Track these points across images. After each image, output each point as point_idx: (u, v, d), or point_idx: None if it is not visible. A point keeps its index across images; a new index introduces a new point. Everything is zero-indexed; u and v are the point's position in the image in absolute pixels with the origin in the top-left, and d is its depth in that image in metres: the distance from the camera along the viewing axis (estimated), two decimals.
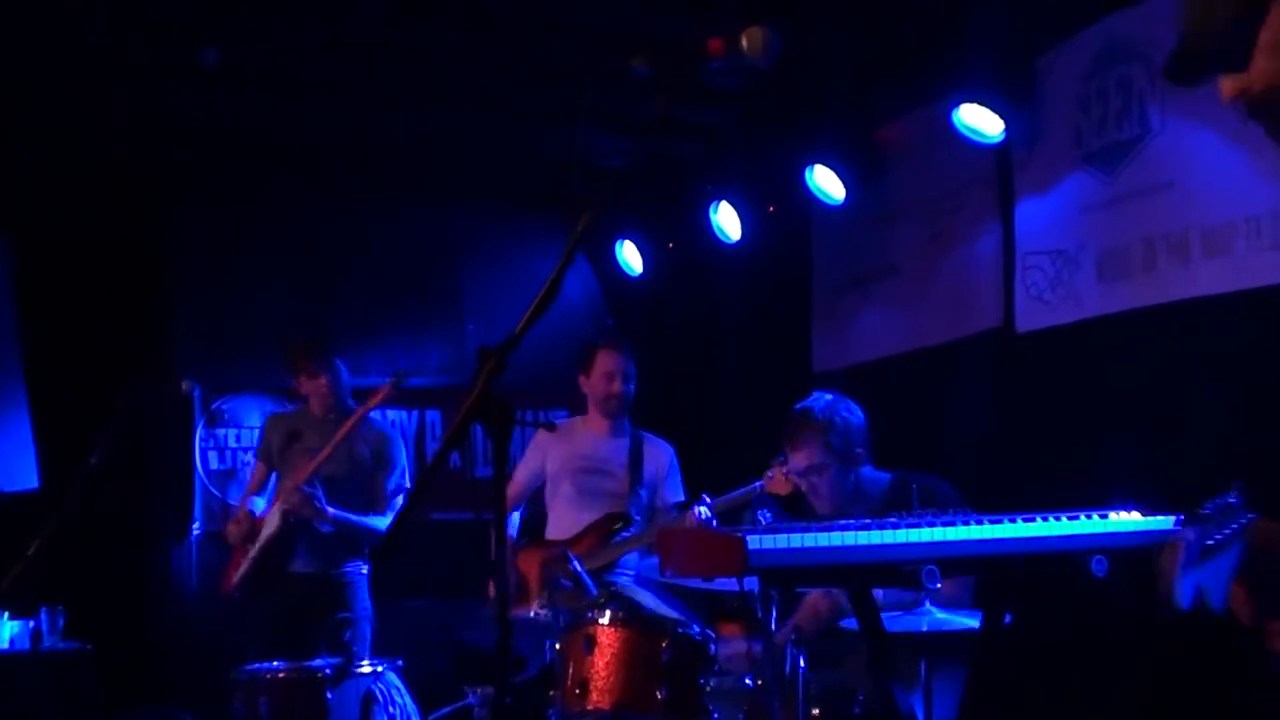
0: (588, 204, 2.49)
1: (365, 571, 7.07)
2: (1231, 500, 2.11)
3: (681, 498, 6.89)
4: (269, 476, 7.22)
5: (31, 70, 7.07)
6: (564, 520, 6.72)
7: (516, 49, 7.06)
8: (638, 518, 6.63)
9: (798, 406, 5.31)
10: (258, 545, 6.83)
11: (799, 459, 5.25)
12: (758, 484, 5.76)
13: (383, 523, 6.91)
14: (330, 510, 6.72)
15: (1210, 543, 2.08)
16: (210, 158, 8.41)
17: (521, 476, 6.93)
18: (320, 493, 6.72)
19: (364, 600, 7.04)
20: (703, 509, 5.95)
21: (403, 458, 7.19)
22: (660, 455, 6.96)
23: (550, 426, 6.62)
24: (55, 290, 8.32)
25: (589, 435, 6.91)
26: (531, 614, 5.71)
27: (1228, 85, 2.36)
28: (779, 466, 5.59)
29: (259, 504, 7.12)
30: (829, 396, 5.32)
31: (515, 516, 7.11)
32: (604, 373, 6.83)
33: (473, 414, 2.36)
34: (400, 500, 7.01)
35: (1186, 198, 5.52)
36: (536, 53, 7.08)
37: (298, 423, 7.15)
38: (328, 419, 7.01)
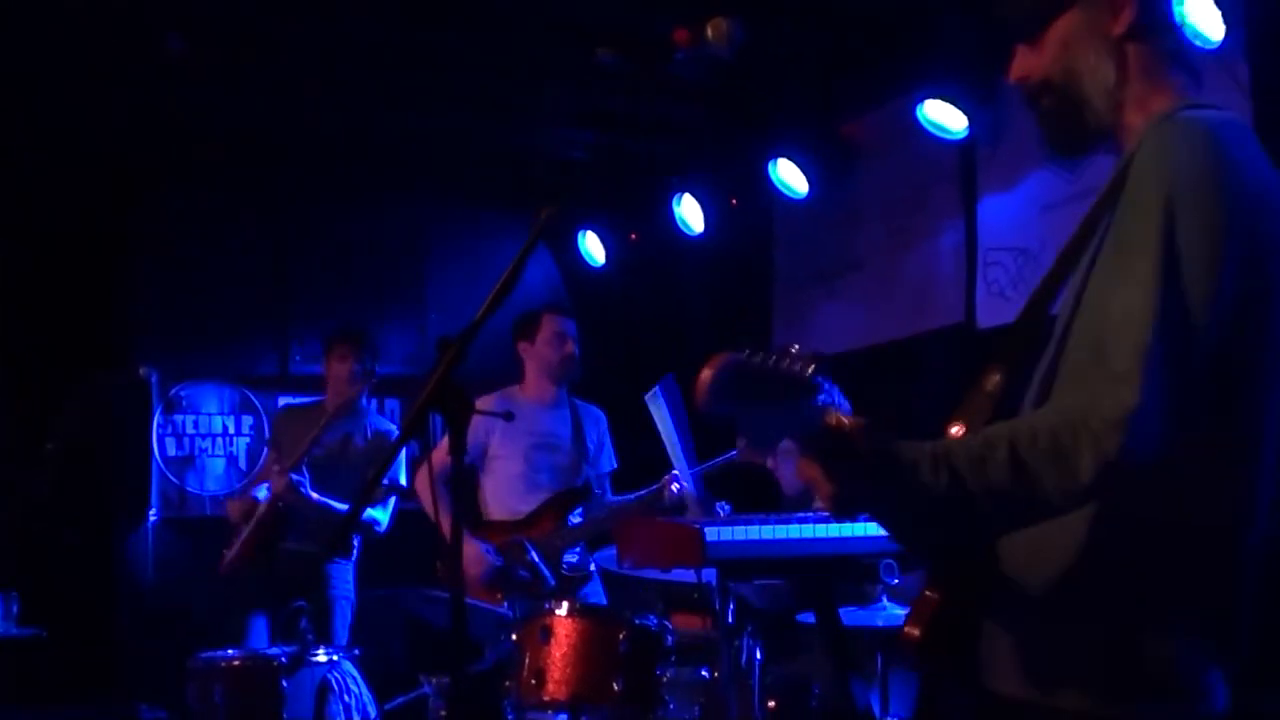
0: (549, 197, 2.49)
1: (353, 558, 7.07)
2: (797, 350, 2.12)
3: (614, 466, 6.87)
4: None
5: None
6: (511, 500, 6.61)
7: (480, 43, 7.03)
8: (596, 491, 6.61)
9: None
10: (249, 526, 6.80)
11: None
12: (733, 453, 5.74)
13: (373, 514, 6.93)
14: (315, 497, 6.72)
15: (755, 362, 2.09)
16: (172, 147, 8.35)
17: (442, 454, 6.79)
18: (306, 479, 6.71)
19: (345, 582, 7.03)
20: (675, 485, 5.94)
21: (403, 462, 7.17)
22: (598, 423, 6.93)
23: (509, 416, 6.54)
24: (13, 276, 8.25)
25: (533, 409, 6.74)
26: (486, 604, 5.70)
27: (1015, 68, 2.50)
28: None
29: (264, 491, 7.09)
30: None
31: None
32: (554, 333, 6.71)
33: (430, 402, 2.35)
34: (394, 501, 7.01)
35: None
36: (501, 46, 7.06)
37: (308, 415, 7.13)
38: (339, 411, 6.96)
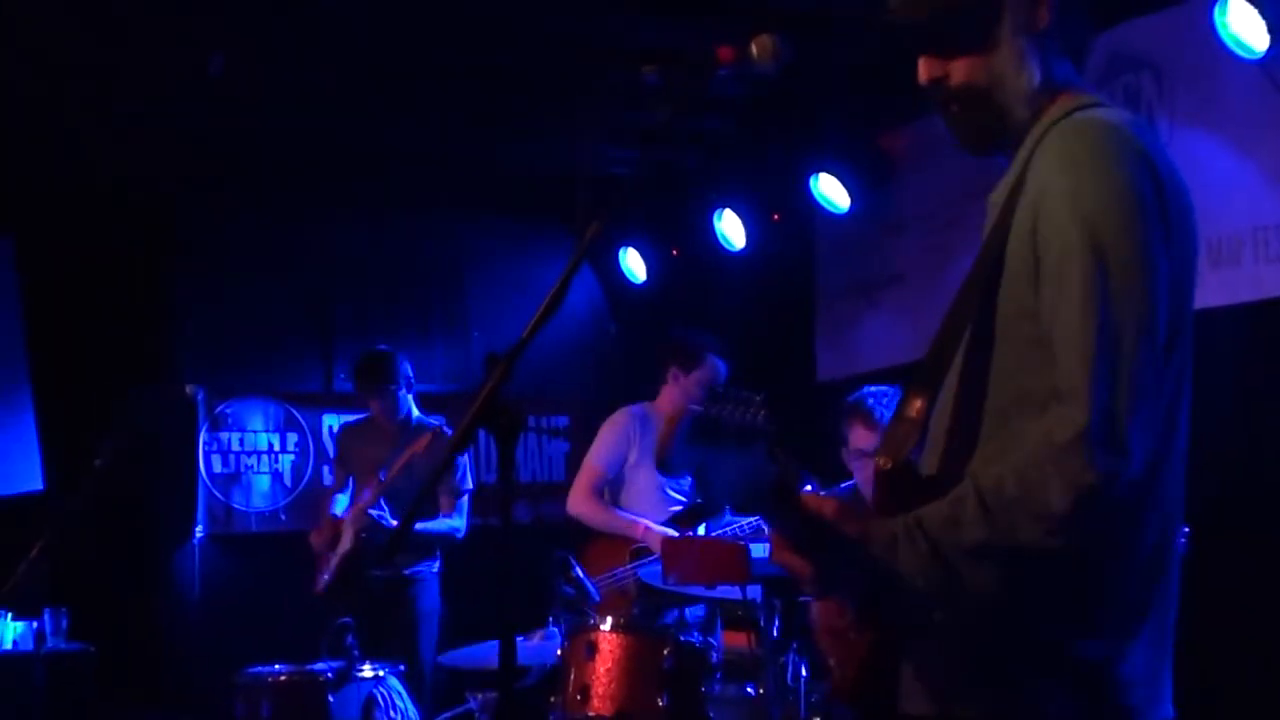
0: (594, 213, 2.49)
1: (436, 570, 7.20)
2: (754, 395, 2.09)
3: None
4: (347, 480, 7.38)
5: (38, 75, 7.08)
6: (646, 510, 6.65)
7: (522, 59, 7.05)
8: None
9: (855, 393, 5.47)
10: (336, 558, 6.94)
11: (859, 438, 5.38)
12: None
13: (451, 524, 7.11)
14: (391, 524, 6.86)
15: (712, 413, 2.06)
16: (217, 164, 8.40)
17: (603, 464, 6.86)
18: (385, 514, 6.86)
19: (432, 597, 7.17)
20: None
21: (468, 462, 7.38)
22: None
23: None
24: (61, 293, 8.31)
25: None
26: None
27: (927, 70, 2.40)
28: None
29: (341, 502, 7.26)
30: (888, 387, 5.44)
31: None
32: (708, 378, 6.70)
33: (479, 418, 2.36)
34: (467, 500, 7.19)
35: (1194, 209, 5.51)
36: (541, 63, 7.08)
37: (366, 432, 7.37)
38: (392, 428, 7.21)
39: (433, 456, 6.94)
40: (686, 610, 6.08)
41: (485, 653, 5.73)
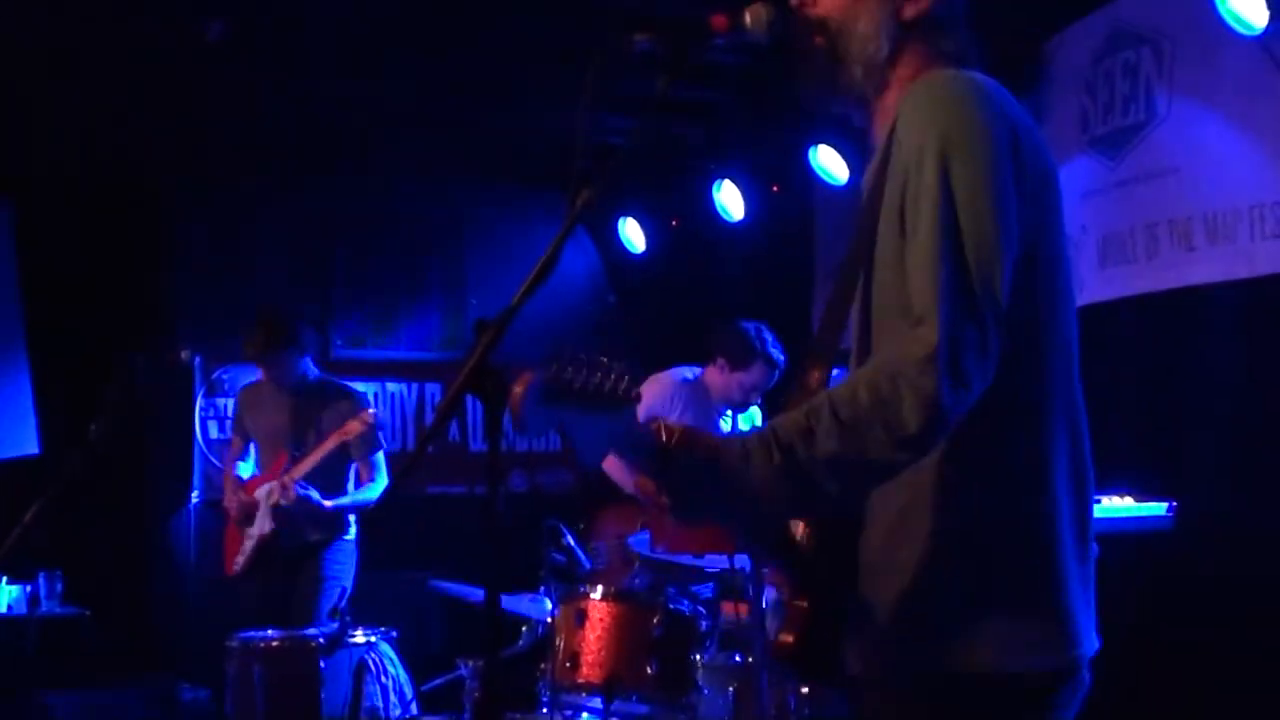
0: (586, 181, 2.49)
1: (351, 537, 6.99)
2: (614, 363, 2.11)
3: None
4: (245, 446, 7.22)
5: (34, 39, 7.06)
6: None
7: (520, 26, 7.03)
8: None
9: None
10: (254, 538, 6.83)
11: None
12: None
13: (372, 491, 6.89)
14: (329, 506, 6.75)
15: (565, 378, 2.08)
16: (214, 133, 8.39)
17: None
18: (314, 493, 6.71)
19: (336, 564, 6.93)
20: None
21: (378, 418, 7.08)
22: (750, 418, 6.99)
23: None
24: (57, 258, 8.31)
25: (709, 405, 6.79)
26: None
27: None
28: None
29: (243, 469, 7.15)
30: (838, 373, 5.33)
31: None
32: (754, 382, 6.69)
33: (466, 385, 2.35)
34: (382, 459, 6.96)
35: (1191, 184, 5.51)
36: (540, 29, 7.06)
37: (264, 396, 7.10)
38: (288, 392, 6.97)
39: (341, 421, 6.82)
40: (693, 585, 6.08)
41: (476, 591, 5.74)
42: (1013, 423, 2.21)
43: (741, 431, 2.18)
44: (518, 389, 2.10)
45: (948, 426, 2.08)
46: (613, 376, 2.08)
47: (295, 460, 6.76)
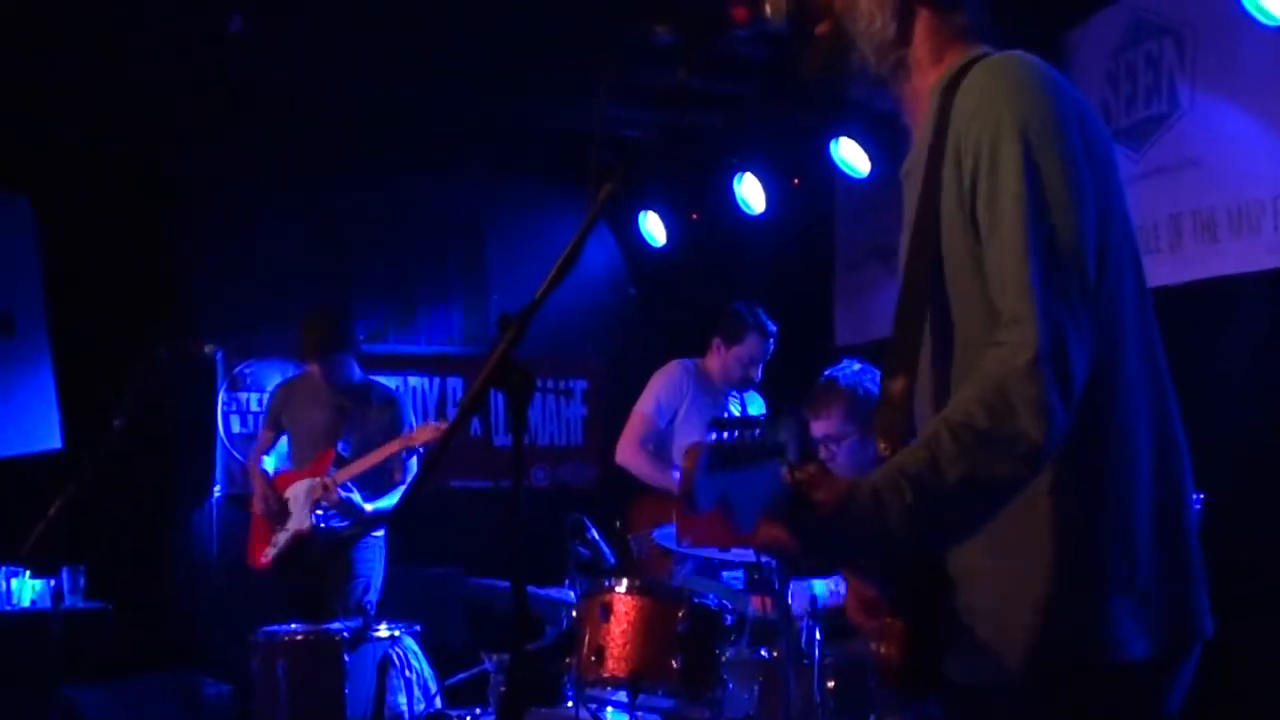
0: (609, 174, 2.48)
1: (379, 534, 7.09)
2: (759, 416, 2.09)
3: None
4: (275, 440, 7.32)
5: (52, 35, 7.07)
6: None
7: (539, 18, 7.03)
8: None
9: (825, 374, 5.28)
10: (290, 533, 6.89)
11: (819, 426, 5.21)
12: None
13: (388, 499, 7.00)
14: (370, 510, 6.85)
15: (725, 438, 2.06)
16: (234, 123, 8.40)
17: (654, 413, 6.88)
18: (356, 496, 6.82)
19: (365, 561, 7.02)
20: None
21: (413, 421, 7.18)
22: (759, 405, 7.07)
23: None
24: (80, 252, 8.33)
25: (715, 389, 6.92)
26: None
27: None
28: None
29: (269, 463, 7.24)
30: (856, 365, 5.27)
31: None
32: (749, 355, 6.85)
33: (491, 380, 2.35)
34: (415, 463, 7.02)
35: (1214, 176, 5.49)
36: (559, 22, 7.05)
37: (306, 392, 7.21)
38: (335, 391, 7.07)
39: (384, 424, 6.93)
40: (724, 575, 6.09)
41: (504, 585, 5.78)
42: (1095, 410, 2.15)
43: (867, 476, 2.12)
44: (688, 463, 2.07)
45: (1066, 427, 2.05)
46: (758, 431, 2.06)
47: (343, 461, 6.82)
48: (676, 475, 6.65)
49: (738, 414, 6.80)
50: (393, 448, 6.76)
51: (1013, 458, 2.03)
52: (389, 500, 6.95)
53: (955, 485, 2.03)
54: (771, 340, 6.87)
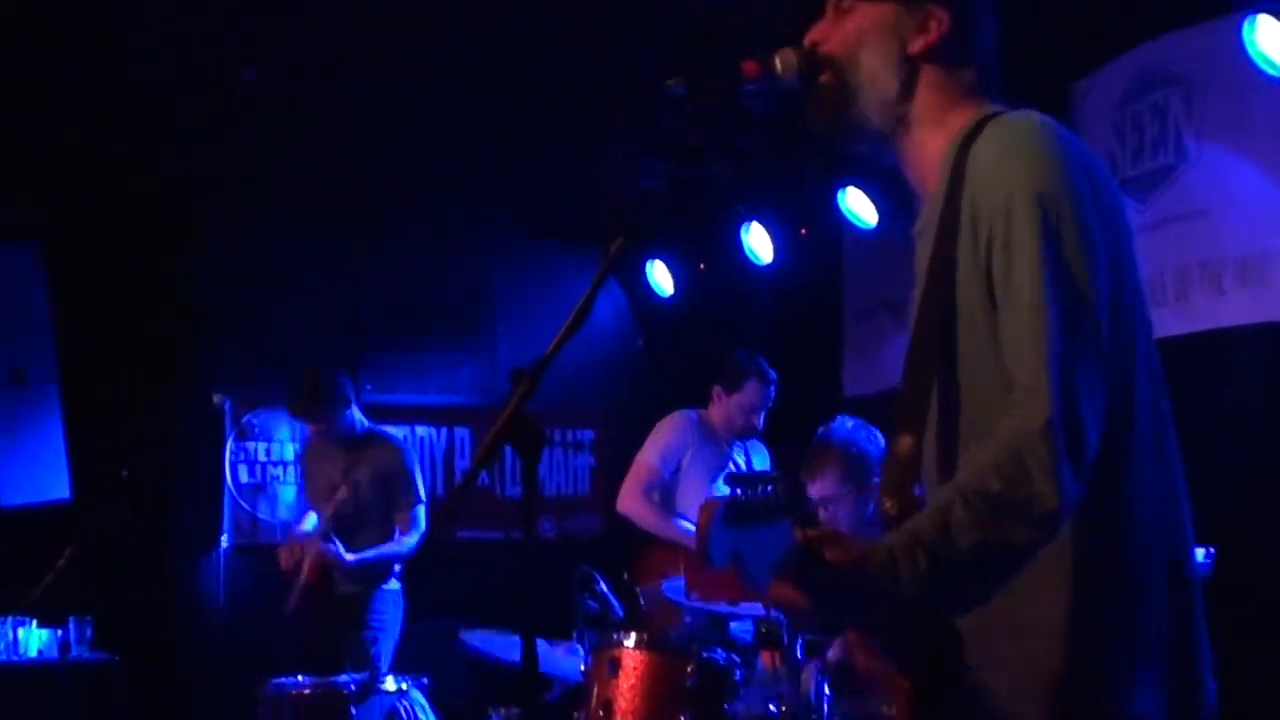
0: (621, 229, 2.49)
1: (395, 588, 7.05)
2: (772, 473, 2.10)
3: None
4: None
5: (64, 83, 7.12)
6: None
7: (551, 74, 7.07)
8: None
9: (818, 434, 5.27)
10: (298, 589, 6.87)
11: (816, 488, 5.20)
12: None
13: (408, 542, 6.94)
14: (351, 560, 6.79)
15: (742, 495, 2.05)
16: (244, 175, 8.45)
17: (659, 462, 6.87)
18: (337, 547, 6.77)
19: (379, 614, 7.02)
20: None
21: (417, 470, 7.16)
22: (762, 455, 7.08)
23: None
24: (90, 302, 8.36)
25: (720, 435, 6.93)
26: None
27: (815, 31, 2.47)
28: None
29: (310, 521, 7.23)
30: (850, 423, 5.27)
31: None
32: (750, 402, 6.85)
33: (504, 434, 2.35)
34: (422, 512, 7.00)
35: (1221, 227, 5.49)
36: (569, 76, 7.10)
37: (318, 450, 7.23)
38: (337, 445, 7.06)
39: (383, 472, 6.91)
40: (733, 627, 6.07)
41: (506, 647, 5.75)
42: (1106, 473, 2.14)
43: (881, 540, 2.11)
44: (704, 518, 2.08)
45: (1080, 491, 2.04)
46: (772, 489, 2.06)
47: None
48: (679, 524, 6.64)
49: (743, 464, 6.85)
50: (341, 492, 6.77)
51: (1027, 523, 2.02)
52: (377, 553, 6.90)
53: (969, 551, 2.02)
54: (772, 387, 6.87)
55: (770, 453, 7.10)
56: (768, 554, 2.09)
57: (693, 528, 6.39)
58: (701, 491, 6.66)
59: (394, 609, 7.01)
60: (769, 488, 2.05)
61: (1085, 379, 2.05)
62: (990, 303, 2.17)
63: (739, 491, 2.06)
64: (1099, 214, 2.16)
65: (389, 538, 6.97)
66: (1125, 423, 2.18)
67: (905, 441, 2.26)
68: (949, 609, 2.17)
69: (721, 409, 6.89)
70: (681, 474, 6.83)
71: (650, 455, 6.86)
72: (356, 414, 7.13)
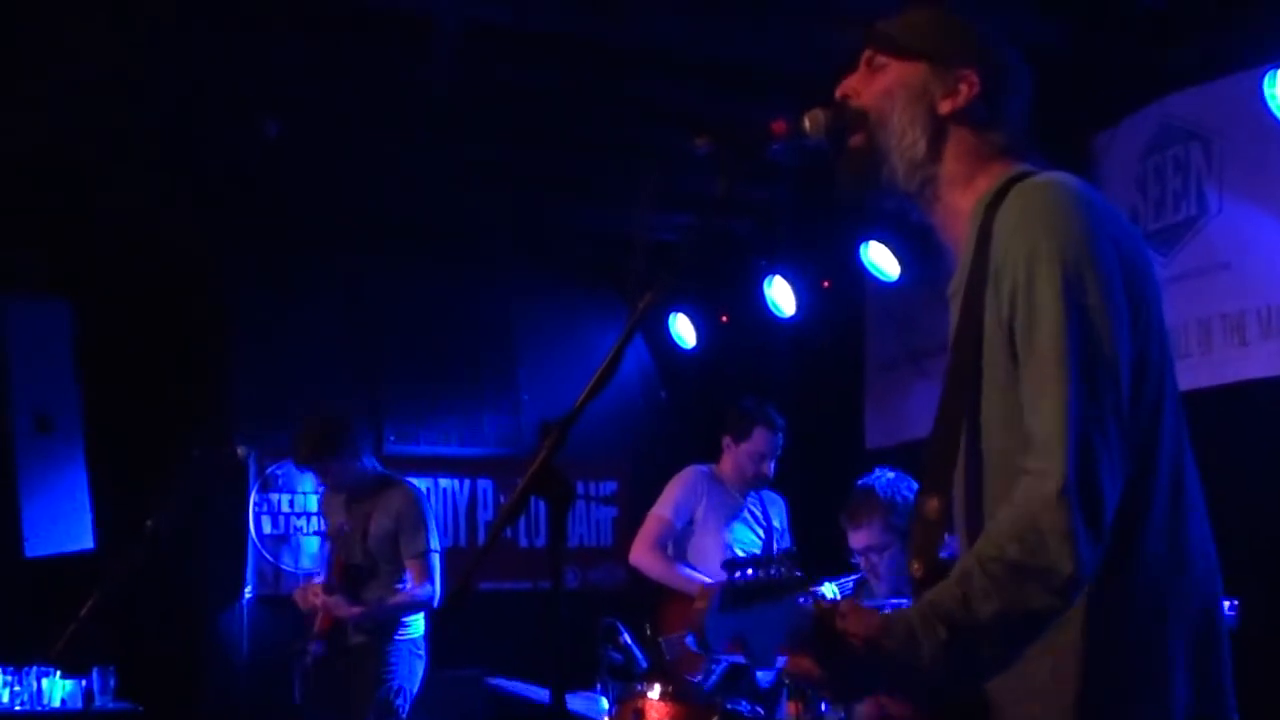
0: (648, 283, 2.50)
1: (411, 637, 6.97)
2: (774, 554, 2.09)
3: (791, 548, 6.86)
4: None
5: (89, 141, 7.20)
6: (711, 566, 6.56)
7: (574, 125, 7.12)
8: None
9: (859, 484, 5.23)
10: (314, 638, 6.79)
11: (859, 538, 5.16)
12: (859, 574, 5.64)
13: (422, 593, 6.80)
14: (354, 614, 6.70)
15: (738, 579, 2.06)
16: (267, 226, 8.51)
17: (672, 515, 6.84)
18: (342, 600, 6.70)
19: (391, 666, 6.87)
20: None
21: (430, 518, 7.00)
22: (779, 505, 7.06)
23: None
24: (114, 356, 8.40)
25: (732, 486, 6.90)
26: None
27: (848, 84, 2.49)
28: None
29: None
30: (891, 474, 5.23)
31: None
32: (759, 451, 6.81)
33: (533, 487, 2.37)
34: (436, 561, 6.87)
35: (1244, 279, 5.51)
36: (597, 127, 7.14)
37: (331, 499, 7.15)
38: (346, 494, 7.00)
39: (393, 519, 6.85)
40: (758, 676, 6.04)
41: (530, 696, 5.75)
42: (1126, 535, 2.14)
43: (902, 610, 2.11)
44: (699, 604, 2.08)
45: (1097, 555, 2.04)
46: (774, 569, 2.07)
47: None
48: (685, 571, 6.63)
49: (760, 514, 6.84)
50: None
51: (1046, 590, 2.01)
52: (381, 605, 6.86)
53: (988, 620, 2.03)
54: (780, 434, 6.84)
55: (785, 502, 7.09)
56: (773, 632, 2.09)
57: (699, 576, 6.44)
58: (717, 539, 6.68)
59: (408, 659, 6.93)
60: (774, 569, 2.06)
61: (1103, 440, 2.05)
62: (1014, 363, 2.18)
63: (736, 576, 2.07)
64: (1123, 272, 2.17)
65: (399, 585, 6.90)
66: (1148, 483, 2.18)
67: (932, 504, 2.26)
68: (970, 677, 2.17)
69: (731, 459, 6.88)
70: (696, 524, 6.82)
71: (663, 510, 6.86)
72: (366, 463, 7.01)
